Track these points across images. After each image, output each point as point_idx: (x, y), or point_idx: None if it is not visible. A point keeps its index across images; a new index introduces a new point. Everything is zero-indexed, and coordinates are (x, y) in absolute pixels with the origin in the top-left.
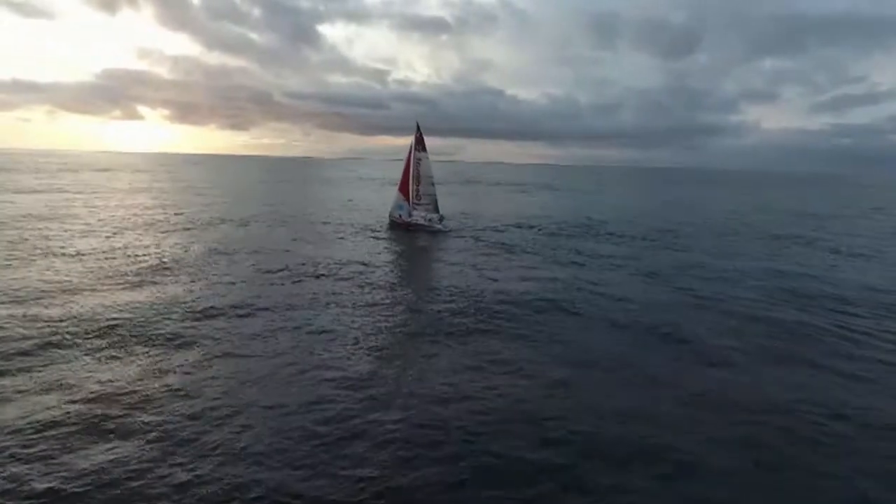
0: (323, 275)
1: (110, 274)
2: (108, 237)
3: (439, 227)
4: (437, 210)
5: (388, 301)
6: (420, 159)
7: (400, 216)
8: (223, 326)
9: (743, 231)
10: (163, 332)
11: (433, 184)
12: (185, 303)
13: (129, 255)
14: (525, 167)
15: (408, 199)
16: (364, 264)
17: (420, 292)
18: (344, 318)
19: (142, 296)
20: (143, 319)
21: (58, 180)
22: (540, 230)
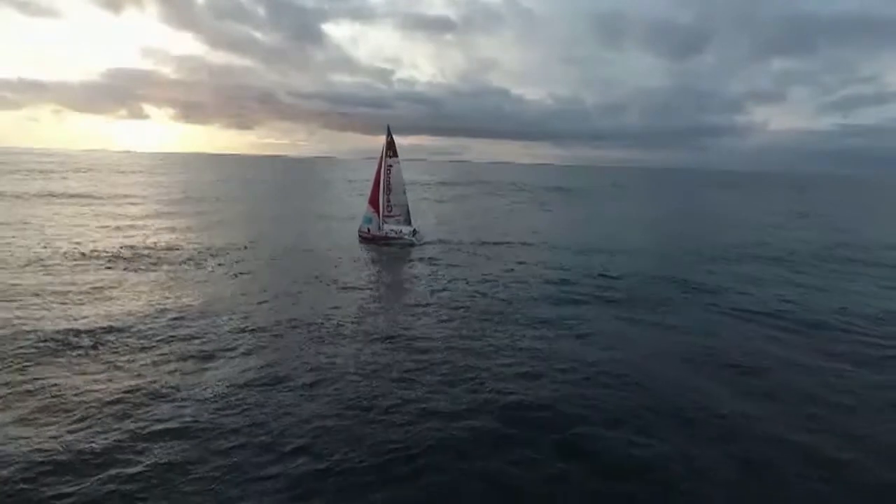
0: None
1: None
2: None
3: (412, 240)
4: (409, 221)
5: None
6: (391, 166)
7: (368, 230)
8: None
9: (800, 251)
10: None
11: (405, 192)
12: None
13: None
14: (531, 168)
15: (378, 212)
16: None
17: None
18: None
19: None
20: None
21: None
22: (551, 248)
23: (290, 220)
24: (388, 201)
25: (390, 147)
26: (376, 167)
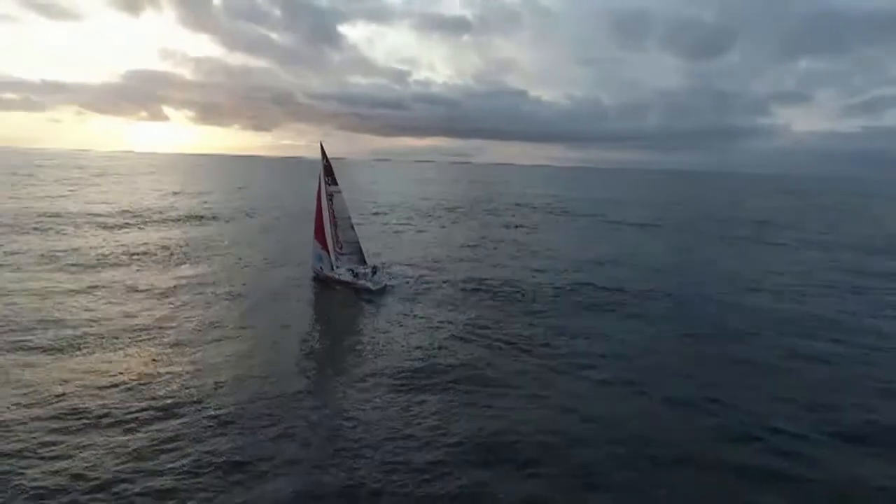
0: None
1: None
2: None
3: (368, 285)
4: (363, 260)
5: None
6: (332, 195)
7: (321, 269)
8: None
9: None
10: None
11: (352, 227)
12: None
13: None
14: (550, 170)
15: (326, 249)
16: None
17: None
18: None
19: None
20: None
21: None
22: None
23: (260, 252)
24: (337, 237)
25: (328, 172)
26: (316, 194)
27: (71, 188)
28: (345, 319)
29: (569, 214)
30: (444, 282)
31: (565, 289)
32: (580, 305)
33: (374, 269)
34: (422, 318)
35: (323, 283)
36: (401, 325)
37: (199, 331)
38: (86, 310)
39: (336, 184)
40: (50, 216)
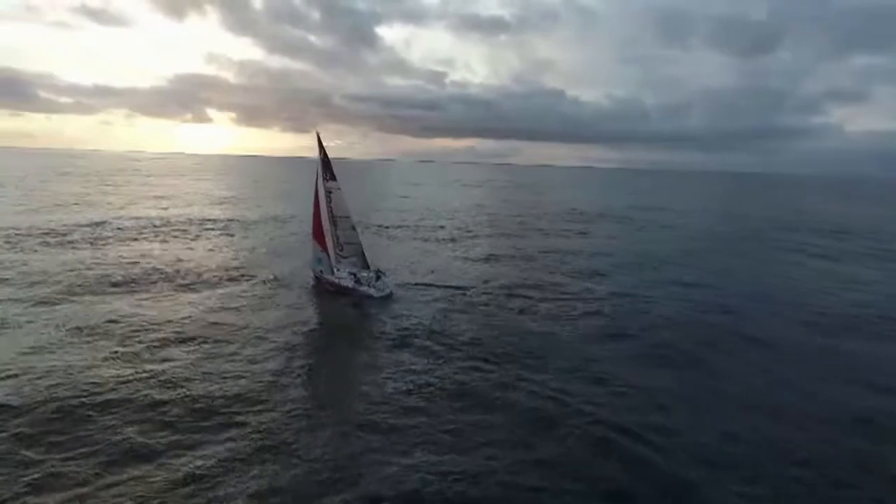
0: None
1: None
2: None
3: (371, 292)
4: (366, 264)
5: None
6: (331, 191)
7: (321, 272)
8: None
9: None
10: None
11: (354, 227)
12: None
13: None
14: (588, 172)
15: (326, 250)
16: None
17: None
18: None
19: None
20: None
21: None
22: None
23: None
24: (337, 238)
25: (326, 167)
26: (314, 191)
27: (103, 186)
28: (339, 365)
29: (616, 221)
30: (472, 295)
31: (630, 323)
32: (650, 354)
33: (378, 274)
34: (437, 359)
35: (323, 289)
36: (401, 376)
37: (169, 387)
38: (50, 363)
39: (335, 179)
40: (61, 226)
